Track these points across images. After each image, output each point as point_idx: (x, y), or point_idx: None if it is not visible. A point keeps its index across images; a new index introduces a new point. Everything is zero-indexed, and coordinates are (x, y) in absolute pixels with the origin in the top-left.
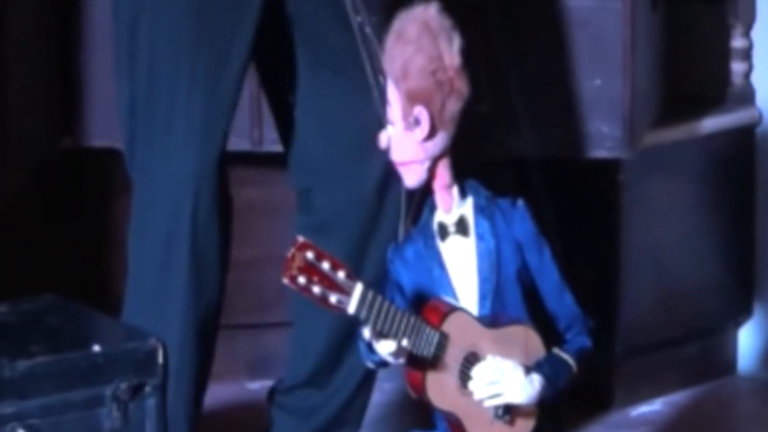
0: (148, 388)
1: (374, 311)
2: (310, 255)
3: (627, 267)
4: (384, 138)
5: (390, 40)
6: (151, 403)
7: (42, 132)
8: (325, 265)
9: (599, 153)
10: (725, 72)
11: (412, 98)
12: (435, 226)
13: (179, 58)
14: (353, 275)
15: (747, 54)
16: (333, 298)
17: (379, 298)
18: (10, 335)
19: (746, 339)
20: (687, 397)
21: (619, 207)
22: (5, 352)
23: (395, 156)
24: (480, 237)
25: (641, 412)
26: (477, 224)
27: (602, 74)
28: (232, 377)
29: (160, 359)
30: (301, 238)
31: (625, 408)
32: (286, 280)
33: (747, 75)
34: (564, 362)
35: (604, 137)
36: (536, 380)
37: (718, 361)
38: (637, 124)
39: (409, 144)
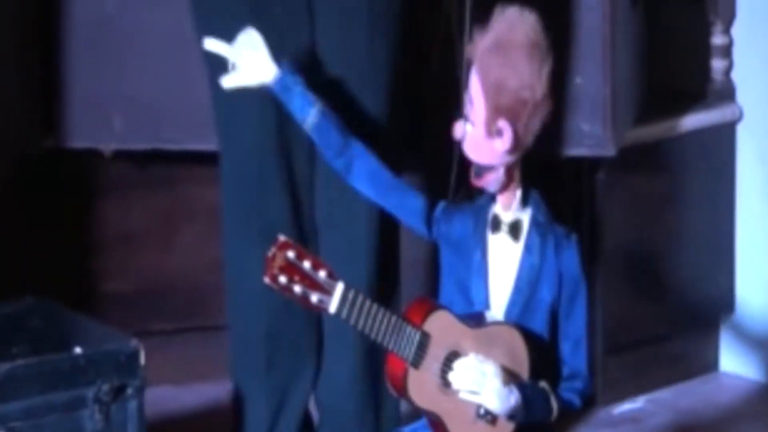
0: (129, 390)
1: (355, 310)
2: (291, 254)
3: (608, 264)
4: (459, 130)
5: (489, 45)
6: (133, 404)
7: (23, 133)
8: (306, 265)
9: (580, 151)
10: (706, 69)
11: (499, 112)
12: (490, 216)
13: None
14: (335, 274)
15: (727, 51)
16: (314, 298)
17: (360, 297)
18: None
19: (729, 336)
20: (670, 394)
21: (600, 204)
22: None
23: (471, 155)
24: (528, 249)
25: (625, 410)
26: (529, 236)
27: (582, 72)
28: (217, 377)
29: (142, 361)
30: (282, 238)
31: (608, 405)
32: (267, 280)
33: (727, 72)
34: (548, 400)
35: (584, 135)
36: (514, 394)
37: (701, 358)
38: (617, 121)
39: (487, 150)
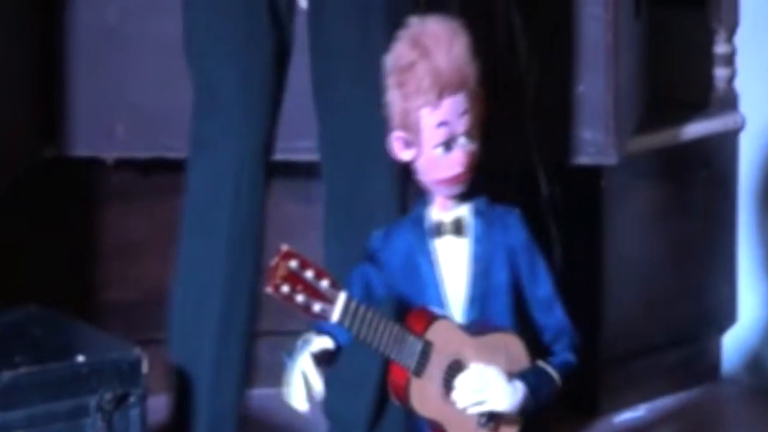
0: (132, 398)
1: (357, 320)
2: (293, 264)
3: (610, 273)
4: (467, 155)
5: (420, 61)
6: (135, 413)
7: (24, 141)
8: (309, 274)
9: (582, 159)
10: (708, 77)
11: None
12: (431, 223)
13: (214, 38)
14: (338, 284)
15: (730, 59)
16: (316, 307)
17: (363, 307)
18: None
19: (730, 344)
20: (671, 403)
21: (602, 213)
22: None
23: (474, 161)
24: (476, 240)
25: (625, 419)
26: (474, 227)
27: (585, 80)
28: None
29: (144, 369)
30: (285, 247)
31: (609, 414)
32: (269, 289)
33: (730, 80)
34: (548, 375)
35: (587, 143)
36: (519, 388)
37: (703, 366)
38: (620, 130)
39: (479, 131)
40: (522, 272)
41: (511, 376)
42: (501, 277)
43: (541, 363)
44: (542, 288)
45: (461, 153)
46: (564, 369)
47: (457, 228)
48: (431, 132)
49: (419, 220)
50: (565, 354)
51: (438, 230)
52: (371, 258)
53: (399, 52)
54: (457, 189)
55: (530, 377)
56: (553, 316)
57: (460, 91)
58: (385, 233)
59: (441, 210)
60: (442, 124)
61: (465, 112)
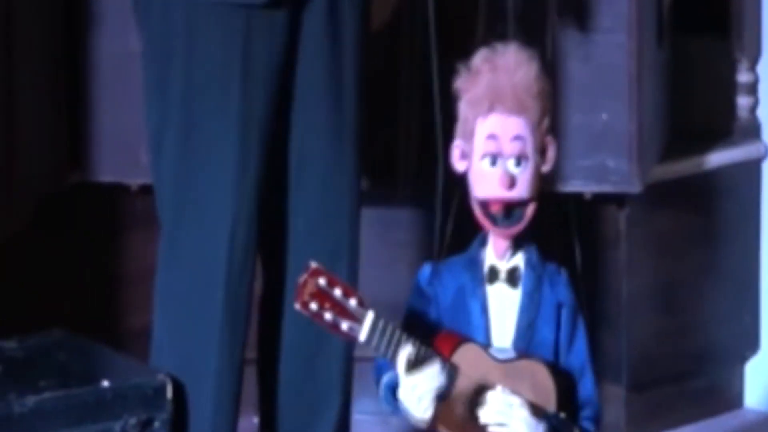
0: (156, 423)
1: (385, 339)
2: (322, 281)
3: (634, 301)
4: (509, 177)
5: (486, 73)
6: None
7: (49, 167)
8: (337, 292)
9: (606, 187)
10: (731, 106)
11: (545, 126)
12: (486, 269)
13: (214, 93)
14: (365, 302)
15: (753, 88)
16: (344, 326)
17: (390, 327)
18: (18, 371)
19: (753, 373)
20: (695, 431)
21: (625, 241)
22: (14, 387)
23: (520, 194)
24: (527, 293)
25: None
26: (526, 279)
27: (608, 108)
28: (242, 411)
29: (169, 394)
30: (313, 264)
31: None
32: (298, 306)
33: (753, 109)
34: (569, 428)
35: (610, 171)
36: (542, 427)
37: (726, 395)
38: (643, 158)
39: (536, 178)
40: (561, 332)
41: (536, 412)
42: (545, 333)
43: (565, 417)
44: (578, 355)
45: (504, 173)
46: None
47: (512, 278)
48: (481, 141)
49: (474, 262)
50: (587, 423)
51: (492, 276)
52: (420, 292)
53: (472, 61)
54: (502, 225)
55: (554, 420)
56: (583, 384)
57: (516, 115)
58: (433, 268)
59: (497, 256)
60: (491, 137)
61: (518, 138)
